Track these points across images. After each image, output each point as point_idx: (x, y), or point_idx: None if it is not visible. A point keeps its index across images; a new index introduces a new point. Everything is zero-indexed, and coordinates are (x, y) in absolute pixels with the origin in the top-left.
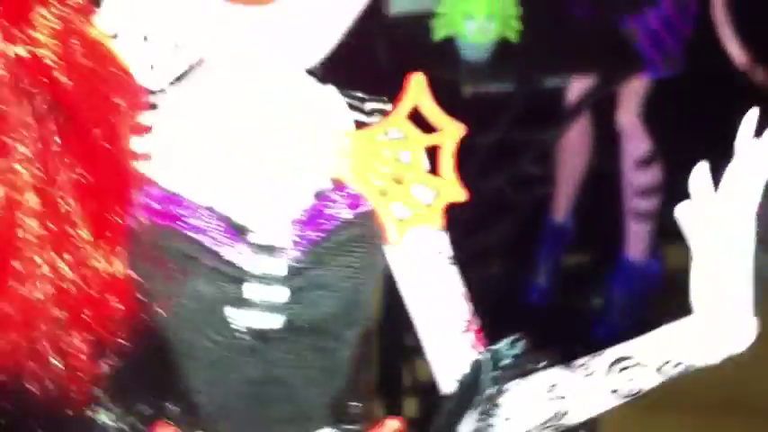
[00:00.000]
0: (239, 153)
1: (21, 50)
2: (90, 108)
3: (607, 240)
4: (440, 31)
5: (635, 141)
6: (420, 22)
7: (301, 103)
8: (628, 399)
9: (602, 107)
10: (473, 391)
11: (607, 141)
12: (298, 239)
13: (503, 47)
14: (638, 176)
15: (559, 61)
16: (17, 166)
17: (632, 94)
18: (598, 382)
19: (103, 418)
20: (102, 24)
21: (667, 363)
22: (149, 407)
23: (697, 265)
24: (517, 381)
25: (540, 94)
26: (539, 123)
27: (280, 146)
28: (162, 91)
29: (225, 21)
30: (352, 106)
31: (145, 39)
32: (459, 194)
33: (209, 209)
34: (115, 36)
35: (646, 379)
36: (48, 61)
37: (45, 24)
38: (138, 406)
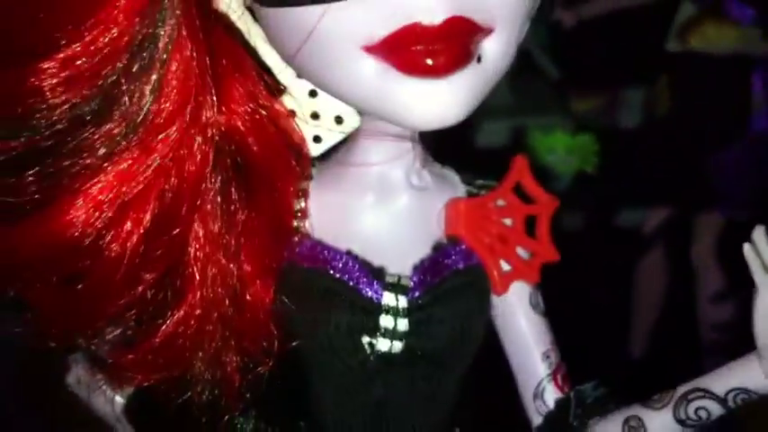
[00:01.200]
0: (375, 211)
1: (222, 119)
2: (269, 170)
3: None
4: None
5: (710, 276)
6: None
7: (429, 173)
8: (693, 427)
9: (677, 240)
10: (559, 427)
11: (683, 275)
12: (418, 282)
13: (582, 177)
14: (714, 311)
15: (636, 193)
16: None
17: (707, 230)
18: (668, 413)
19: (248, 427)
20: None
21: (733, 391)
22: (285, 423)
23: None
24: (597, 418)
25: (616, 224)
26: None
27: (409, 206)
28: (319, 159)
29: (393, 91)
30: (464, 181)
31: (314, 116)
32: (553, 255)
33: (349, 253)
34: (293, 114)
35: (712, 408)
36: (240, 127)
37: (242, 97)
38: (276, 420)
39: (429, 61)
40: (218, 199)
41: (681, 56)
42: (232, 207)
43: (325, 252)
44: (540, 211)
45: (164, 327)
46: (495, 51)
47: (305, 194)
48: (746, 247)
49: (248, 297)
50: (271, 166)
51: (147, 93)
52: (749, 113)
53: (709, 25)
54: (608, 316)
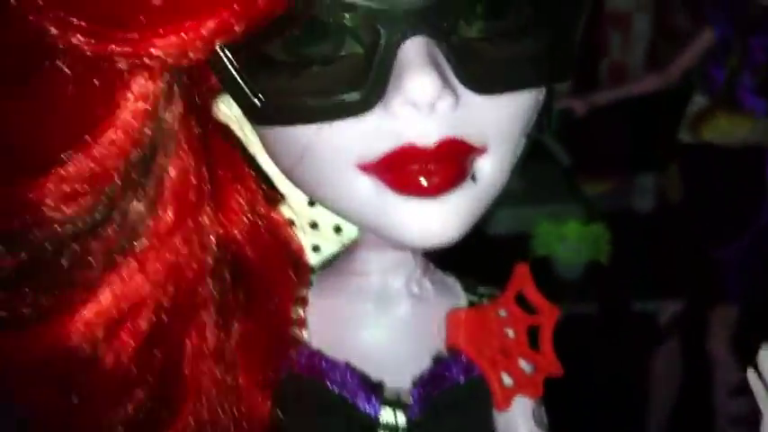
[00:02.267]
0: (375, 321)
1: (220, 229)
2: (266, 279)
3: None
4: (537, 251)
5: (726, 370)
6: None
7: (430, 281)
8: None
9: (693, 332)
10: None
11: (698, 368)
12: (418, 396)
13: (595, 267)
14: (730, 405)
15: (649, 284)
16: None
17: (722, 322)
18: None
19: None
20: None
21: None
22: None
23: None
24: None
25: (629, 317)
26: (627, 345)
27: (409, 315)
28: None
29: (389, 209)
30: (465, 289)
31: (313, 226)
32: (557, 369)
33: (347, 365)
34: (292, 223)
35: None
36: (238, 237)
37: (241, 206)
38: None
39: (423, 181)
40: (215, 310)
41: (693, 145)
42: (229, 318)
43: (324, 363)
44: (543, 321)
45: None
46: (490, 170)
47: (304, 303)
48: (750, 373)
49: (244, 410)
50: (268, 276)
51: (144, 205)
52: (762, 204)
53: (721, 117)
54: (624, 406)
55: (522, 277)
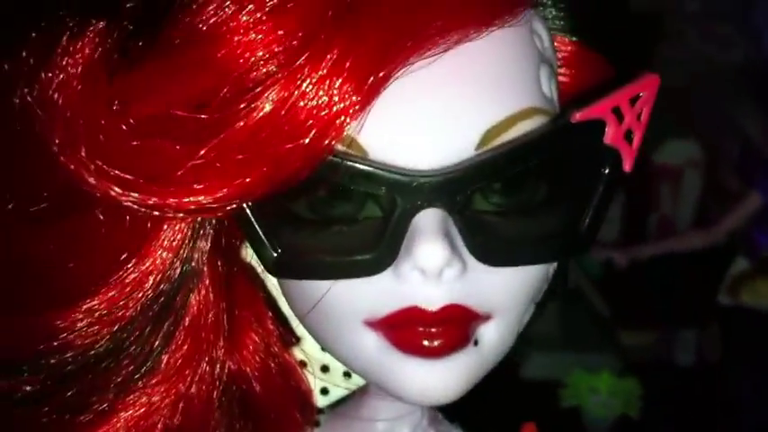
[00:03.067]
0: None
1: (233, 366)
2: (272, 417)
3: None
4: (566, 400)
5: None
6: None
7: (434, 427)
8: None
9: None
10: None
11: None
12: None
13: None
14: None
15: None
16: None
17: None
18: None
19: None
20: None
21: None
22: None
23: None
24: None
25: None
26: None
27: None
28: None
29: (392, 366)
30: None
31: (324, 369)
32: None
33: None
34: (304, 364)
35: None
36: (249, 374)
37: (256, 345)
38: None
39: (426, 343)
40: None
41: (732, 308)
42: None
43: None
44: None
45: None
46: (492, 337)
47: None
48: None
49: None
50: (275, 414)
51: (161, 338)
52: None
53: (760, 281)
54: None
55: None
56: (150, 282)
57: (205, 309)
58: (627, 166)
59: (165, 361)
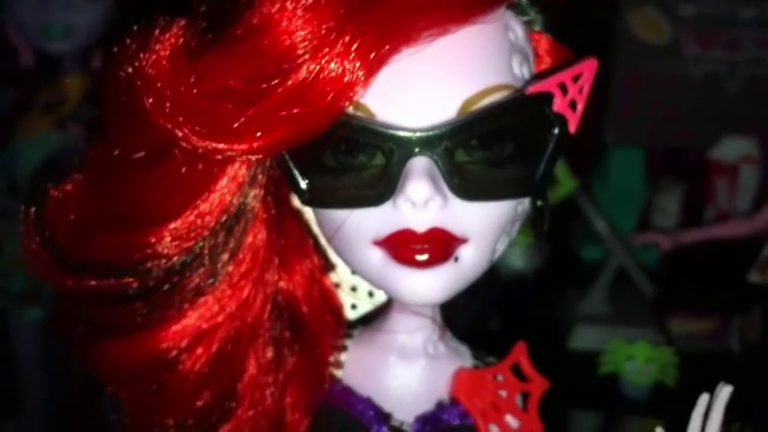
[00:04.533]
0: (395, 369)
1: (282, 285)
2: (314, 327)
3: None
4: (604, 367)
5: None
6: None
7: (444, 345)
8: None
9: None
10: None
11: None
12: (417, 429)
13: (662, 390)
14: None
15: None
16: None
17: None
18: None
19: None
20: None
21: None
22: None
23: None
24: None
25: None
26: None
27: (423, 369)
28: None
29: (391, 275)
30: (474, 356)
31: (353, 289)
32: (539, 428)
33: (368, 400)
34: (337, 286)
35: None
36: (295, 293)
37: (302, 270)
38: None
39: (417, 257)
40: (272, 342)
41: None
42: (283, 350)
43: (350, 397)
44: (533, 389)
45: None
46: (470, 255)
47: (343, 349)
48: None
49: (286, 424)
50: (316, 325)
51: (226, 255)
52: None
53: None
54: None
55: (518, 352)
56: (217, 212)
57: (261, 237)
58: (572, 128)
59: (229, 273)
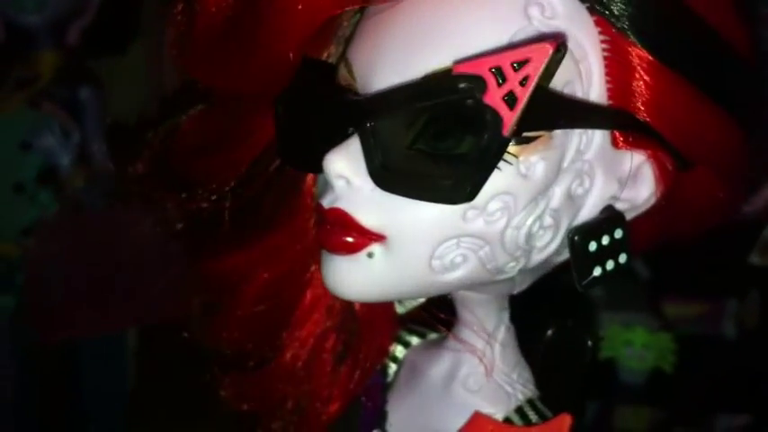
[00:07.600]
0: (421, 390)
1: None
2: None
3: None
4: (603, 352)
5: None
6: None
7: (493, 383)
8: None
9: None
10: None
11: None
12: None
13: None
14: None
15: (713, 399)
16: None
17: None
18: None
19: None
20: None
21: None
22: None
23: None
24: None
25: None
26: None
27: (458, 398)
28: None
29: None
30: (516, 410)
31: None
32: None
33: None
34: None
35: None
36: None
37: None
38: None
39: (326, 238)
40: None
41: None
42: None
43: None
44: None
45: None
46: (382, 257)
47: (406, 345)
48: None
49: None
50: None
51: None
52: None
53: None
54: None
55: (561, 426)
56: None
57: None
58: (505, 131)
59: (289, 223)
